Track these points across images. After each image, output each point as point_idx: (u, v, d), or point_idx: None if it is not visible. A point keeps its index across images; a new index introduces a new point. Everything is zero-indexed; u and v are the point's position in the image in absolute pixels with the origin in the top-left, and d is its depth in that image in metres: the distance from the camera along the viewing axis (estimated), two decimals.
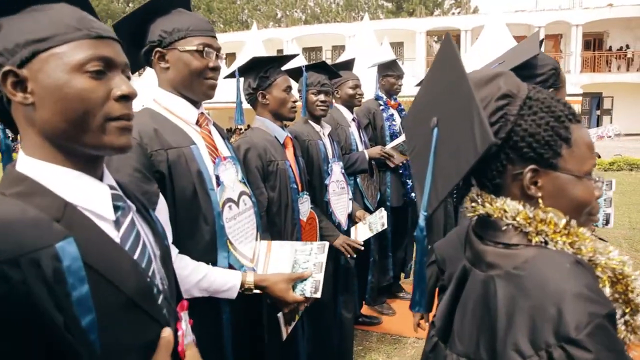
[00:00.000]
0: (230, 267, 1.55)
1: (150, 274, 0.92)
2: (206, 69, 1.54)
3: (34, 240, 0.75)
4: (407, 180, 4.06)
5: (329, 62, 3.02)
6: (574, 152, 0.93)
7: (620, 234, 6.68)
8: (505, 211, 0.94)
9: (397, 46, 27.48)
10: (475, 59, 16.71)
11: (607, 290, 0.90)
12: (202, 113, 1.62)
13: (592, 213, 0.97)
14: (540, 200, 0.93)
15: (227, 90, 2.18)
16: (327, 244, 1.73)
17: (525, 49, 1.78)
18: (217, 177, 1.53)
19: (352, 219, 3.05)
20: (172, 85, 1.57)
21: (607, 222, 1.90)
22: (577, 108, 17.58)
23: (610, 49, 27.14)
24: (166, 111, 1.55)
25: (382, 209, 3.14)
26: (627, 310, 0.91)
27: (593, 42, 27.56)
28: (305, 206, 2.33)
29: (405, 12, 36.24)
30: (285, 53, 27.16)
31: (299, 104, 2.57)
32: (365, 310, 4.03)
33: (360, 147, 3.53)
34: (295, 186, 2.27)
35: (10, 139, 1.11)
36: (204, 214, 1.48)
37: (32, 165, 0.85)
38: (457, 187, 0.99)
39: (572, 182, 0.93)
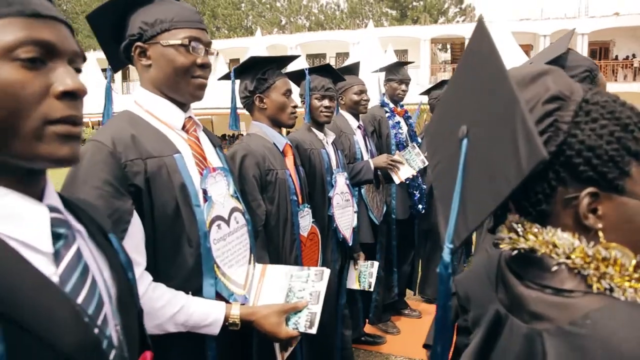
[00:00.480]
0: (218, 296, 1.33)
1: (99, 322, 0.71)
2: (193, 66, 1.33)
3: None
4: (414, 192, 3.86)
5: None
6: None
7: None
8: (555, 246, 0.73)
9: (401, 53, 27.38)
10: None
11: None
12: (189, 117, 1.42)
13: None
14: (600, 234, 0.72)
15: (228, 94, 2.00)
16: (326, 270, 1.52)
17: (554, 48, 1.58)
18: (205, 191, 1.33)
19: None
20: (155, 84, 1.36)
21: None
22: None
23: (616, 58, 26.94)
24: (148, 115, 1.35)
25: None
26: None
27: (599, 51, 27.38)
28: (306, 220, 2.13)
29: (409, 19, 36.25)
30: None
31: (300, 110, 2.39)
32: (368, 329, 3.81)
33: (366, 156, 3.32)
34: (296, 198, 2.07)
35: None
36: (188, 234, 1.27)
37: None
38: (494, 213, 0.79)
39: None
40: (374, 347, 3.67)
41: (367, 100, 3.38)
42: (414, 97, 5.81)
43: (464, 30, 27.76)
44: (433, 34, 28.16)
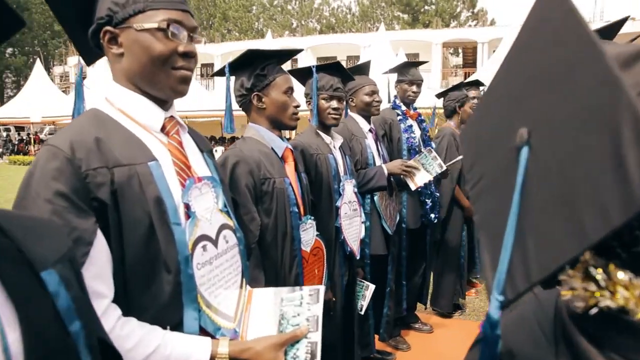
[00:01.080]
0: (202, 331, 1.11)
1: None
2: (174, 55, 1.10)
3: None
4: (426, 200, 3.63)
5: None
6: None
7: None
8: None
9: (413, 57, 27.13)
10: (492, 72, 16.41)
11: None
12: (171, 117, 1.19)
13: None
14: None
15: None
16: (321, 288, 1.28)
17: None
18: (187, 206, 1.11)
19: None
20: (128, 77, 1.14)
21: None
22: None
23: None
24: (120, 114, 1.13)
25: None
26: None
27: None
28: (309, 234, 1.91)
29: (420, 23, 35.99)
30: (299, 62, 26.99)
31: (305, 112, 2.17)
32: (378, 345, 3.58)
33: (378, 161, 3.08)
34: (297, 210, 1.84)
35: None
36: (165, 258, 1.04)
37: None
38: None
39: None
40: None
41: (379, 102, 3.14)
42: (427, 100, 5.58)
43: (476, 35, 27.57)
44: (445, 38, 27.96)
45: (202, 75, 32.14)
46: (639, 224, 0.52)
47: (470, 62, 29.62)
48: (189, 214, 1.10)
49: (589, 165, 0.45)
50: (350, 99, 3.07)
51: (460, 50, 32.06)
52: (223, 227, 1.21)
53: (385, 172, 2.90)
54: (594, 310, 0.54)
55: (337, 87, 2.42)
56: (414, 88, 3.68)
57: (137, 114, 1.13)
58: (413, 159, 3.04)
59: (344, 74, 2.52)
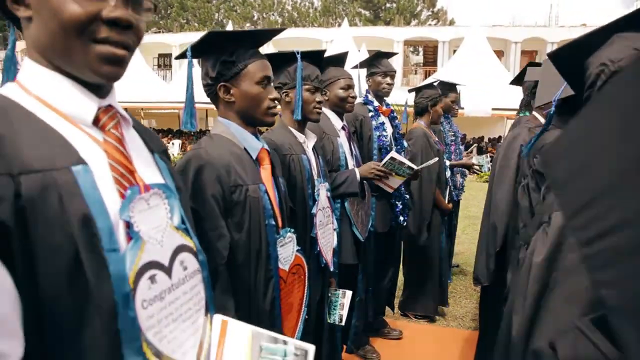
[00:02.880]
0: None
1: None
2: (96, 22, 0.80)
3: None
4: (397, 202, 3.41)
5: None
6: None
7: None
8: None
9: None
10: (454, 70, 16.55)
11: None
12: (109, 106, 0.89)
13: None
14: None
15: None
16: (311, 349, 1.03)
17: None
18: (128, 225, 0.82)
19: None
20: (39, 50, 0.84)
21: None
22: None
23: None
24: (37, 102, 0.82)
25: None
26: None
27: None
28: (288, 249, 1.63)
29: (382, 20, 36.15)
30: None
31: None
32: (345, 357, 3.35)
33: (351, 162, 2.83)
34: (273, 222, 1.56)
35: None
36: (97, 298, 0.75)
37: None
38: None
39: None
40: None
41: (354, 98, 2.85)
42: (392, 98, 5.40)
43: (437, 34, 27.97)
44: (406, 36, 28.18)
45: (159, 66, 31.09)
46: None
47: (430, 60, 29.94)
48: (130, 234, 0.81)
49: None
50: (324, 93, 2.81)
51: (420, 49, 32.33)
52: (180, 249, 0.92)
53: (358, 176, 2.66)
54: None
55: (321, 79, 2.14)
56: (388, 80, 3.45)
57: (60, 102, 0.83)
58: (384, 162, 2.81)
59: (327, 64, 2.24)
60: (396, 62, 27.64)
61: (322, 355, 2.30)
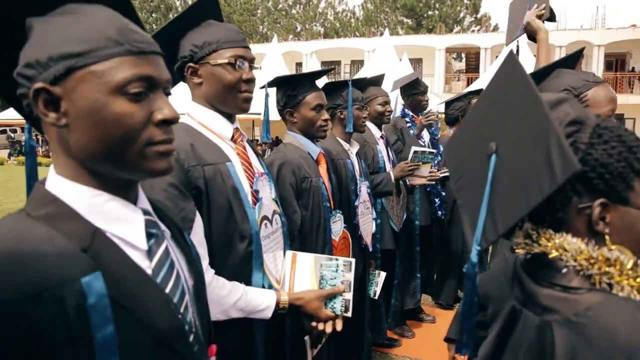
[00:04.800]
0: (262, 287, 1.50)
1: (182, 309, 0.84)
2: (240, 82, 1.48)
3: (59, 273, 0.67)
4: (435, 199, 4.03)
5: (347, 76, 2.97)
6: None
7: None
8: (565, 250, 0.87)
9: (416, 62, 27.45)
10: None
11: None
12: (237, 128, 1.56)
13: None
14: (607, 237, 0.86)
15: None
16: (353, 261, 1.64)
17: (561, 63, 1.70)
18: (257, 193, 1.48)
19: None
20: (206, 99, 1.51)
21: None
22: None
23: (632, 70, 26.81)
24: (201, 126, 1.49)
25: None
26: None
27: (615, 62, 27.27)
28: (337, 225, 2.24)
29: (424, 28, 36.27)
30: (304, 66, 27.28)
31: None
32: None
33: (388, 165, 3.45)
34: (328, 204, 2.18)
35: (35, 140, 0.98)
36: (241, 232, 1.43)
37: (62, 185, 0.78)
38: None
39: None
40: (391, 350, 3.79)
41: (391, 112, 3.51)
42: (429, 105, 5.93)
43: (479, 40, 27.79)
44: (448, 44, 28.19)
45: None
46: (559, 198, 0.88)
47: (473, 67, 29.87)
48: (257, 199, 1.47)
49: (533, 163, 0.80)
50: (365, 107, 3.43)
51: (463, 56, 32.32)
52: (274, 212, 1.59)
53: (392, 178, 3.25)
54: (529, 256, 0.91)
55: (363, 98, 2.79)
56: (426, 97, 4.08)
57: (214, 126, 1.51)
58: (410, 159, 3.36)
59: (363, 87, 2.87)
60: (438, 70, 27.87)
61: (364, 320, 2.88)
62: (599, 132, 0.89)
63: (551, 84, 1.63)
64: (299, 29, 41.59)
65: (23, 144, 22.89)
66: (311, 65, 21.16)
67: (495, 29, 35.00)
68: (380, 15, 39.94)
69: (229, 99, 1.49)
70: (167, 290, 0.82)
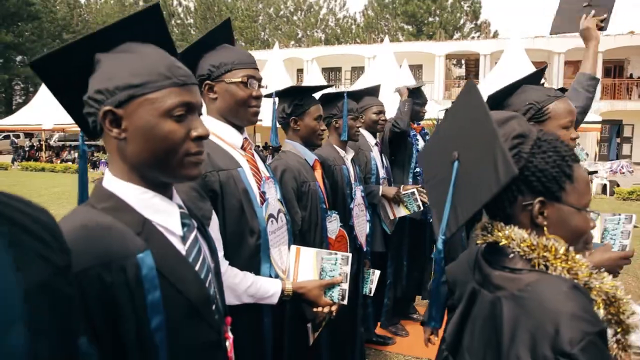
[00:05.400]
0: (270, 277, 1.71)
1: (207, 284, 1.07)
2: (250, 98, 1.71)
3: (122, 250, 0.91)
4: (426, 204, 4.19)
5: (347, 82, 3.17)
6: (575, 188, 1.07)
7: (638, 266, 6.66)
8: (512, 239, 1.07)
9: (416, 69, 27.67)
10: (494, 84, 16.88)
11: (602, 312, 1.02)
12: (246, 138, 1.78)
13: (587, 241, 1.11)
14: (545, 229, 1.06)
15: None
16: (350, 255, 1.85)
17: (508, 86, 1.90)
18: (264, 194, 1.71)
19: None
20: (220, 113, 1.73)
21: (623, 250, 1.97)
22: (595, 135, 17.08)
23: (631, 76, 27.03)
24: (215, 137, 1.69)
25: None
26: (619, 330, 1.04)
27: (613, 69, 27.49)
28: (334, 224, 2.45)
29: (424, 34, 36.55)
30: (305, 72, 27.48)
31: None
32: (379, 330, 4.12)
33: (381, 172, 3.66)
34: (324, 206, 2.40)
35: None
36: (251, 228, 1.65)
37: (117, 184, 1.01)
38: (475, 215, 1.12)
39: (572, 214, 1.07)
40: (384, 347, 3.97)
41: (385, 121, 3.72)
42: (430, 112, 6.13)
43: (478, 47, 27.92)
44: (448, 50, 28.38)
45: None
46: (507, 197, 1.08)
47: (473, 73, 30.01)
48: (264, 199, 1.70)
49: (484, 168, 1.02)
50: (360, 117, 3.63)
51: (463, 62, 32.55)
52: (279, 210, 1.81)
53: (380, 193, 3.50)
54: (484, 244, 1.11)
55: (358, 107, 3.04)
56: (424, 109, 4.29)
57: (227, 137, 1.73)
58: (404, 192, 3.56)
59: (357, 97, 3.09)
60: (438, 76, 28.08)
61: (357, 316, 3.07)
62: (539, 144, 1.10)
63: (518, 98, 1.83)
64: (300, 35, 41.90)
65: (27, 149, 22.92)
66: (312, 71, 21.37)
67: (495, 35, 35.25)
68: (380, 21, 40.26)
69: (240, 113, 1.72)
70: (197, 267, 1.05)
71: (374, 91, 3.80)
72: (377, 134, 3.81)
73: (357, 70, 29.20)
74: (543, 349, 0.90)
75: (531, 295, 0.98)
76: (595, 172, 5.77)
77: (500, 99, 1.88)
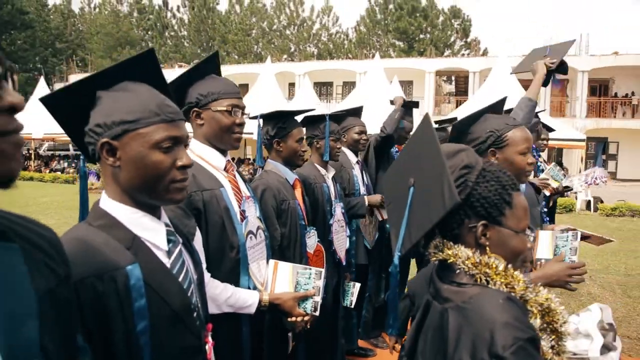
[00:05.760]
0: (248, 288, 1.85)
1: (189, 294, 1.21)
2: (234, 125, 1.86)
3: (113, 262, 1.06)
4: None
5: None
6: (514, 213, 1.22)
7: (615, 280, 6.84)
8: (458, 256, 1.22)
9: (407, 84, 28.01)
10: (483, 100, 17.05)
11: (538, 321, 1.17)
12: (228, 160, 1.93)
13: (525, 260, 1.26)
14: (487, 248, 1.21)
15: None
16: (323, 270, 2.00)
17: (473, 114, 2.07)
18: (243, 212, 1.85)
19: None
20: (205, 137, 1.87)
21: None
22: (581, 153, 17.34)
23: (615, 95, 27.60)
24: (200, 159, 1.84)
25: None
26: (553, 337, 1.19)
27: (599, 88, 28.06)
28: (312, 240, 2.59)
29: (415, 51, 37.03)
30: (297, 87, 27.71)
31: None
32: (361, 343, 4.24)
33: (362, 189, 3.81)
34: (304, 223, 2.54)
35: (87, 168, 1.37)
36: (231, 243, 1.79)
37: (111, 205, 1.16)
38: (426, 235, 1.27)
39: (511, 236, 1.22)
40: (365, 359, 4.10)
41: (367, 140, 3.89)
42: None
43: (468, 64, 28.36)
44: (438, 67, 28.83)
45: None
46: (455, 220, 1.23)
47: (462, 90, 30.40)
48: (244, 217, 1.84)
49: (434, 194, 1.18)
50: (343, 136, 3.79)
51: (453, 78, 32.99)
52: (258, 227, 1.95)
53: (366, 203, 3.64)
54: (436, 261, 1.26)
55: (338, 131, 3.19)
56: (409, 136, 4.42)
57: (211, 159, 1.87)
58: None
59: (339, 119, 3.25)
60: (428, 92, 28.45)
61: (337, 328, 3.20)
62: (484, 174, 1.25)
63: (480, 126, 2.00)
64: (292, 49, 42.21)
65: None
66: (304, 85, 21.58)
67: (485, 53, 35.72)
68: (372, 37, 40.69)
69: (225, 138, 1.87)
70: (180, 278, 1.19)
71: (356, 112, 3.95)
72: (359, 152, 3.96)
73: (349, 85, 29.49)
74: (481, 353, 1.04)
75: (473, 307, 1.12)
76: (569, 188, 5.89)
77: (465, 126, 2.04)
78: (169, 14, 45.87)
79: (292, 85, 30.89)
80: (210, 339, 1.32)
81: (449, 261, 1.24)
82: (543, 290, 1.21)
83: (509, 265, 1.20)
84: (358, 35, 41.11)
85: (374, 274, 4.02)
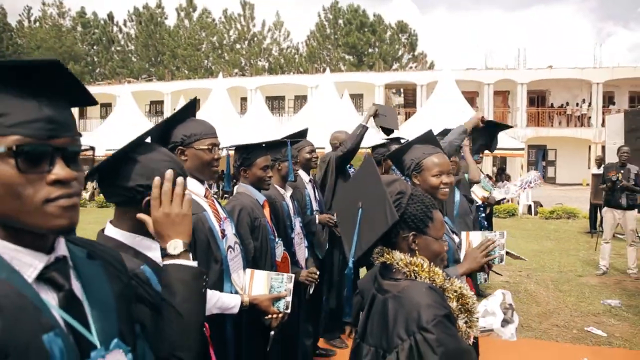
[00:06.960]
0: (231, 293, 2.21)
1: None
2: (213, 160, 2.22)
3: (133, 265, 1.37)
4: None
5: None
6: (435, 225, 1.65)
7: (549, 277, 7.52)
8: (394, 259, 1.62)
9: (357, 98, 28.68)
10: (430, 112, 17.66)
11: (455, 304, 1.59)
12: (207, 188, 2.28)
13: (443, 259, 1.69)
14: (416, 252, 1.62)
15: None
16: (293, 276, 2.42)
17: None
18: (223, 231, 2.20)
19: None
20: (188, 171, 2.19)
21: (501, 260, 2.53)
22: (521, 161, 18.26)
23: (552, 105, 29.41)
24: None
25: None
26: (466, 315, 1.60)
27: (537, 98, 29.82)
28: (279, 250, 2.96)
29: (365, 65, 37.96)
30: (249, 101, 27.83)
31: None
32: (321, 343, 4.61)
33: (314, 204, 4.24)
34: (272, 237, 2.90)
35: None
36: (215, 257, 2.15)
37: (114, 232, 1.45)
38: (373, 244, 1.67)
39: (433, 242, 1.64)
40: (326, 359, 4.48)
41: (317, 158, 4.31)
42: (370, 141, 6.61)
43: (415, 77, 29.30)
44: (387, 80, 29.75)
45: (150, 112, 32.00)
46: (393, 232, 1.65)
47: (410, 102, 31.15)
48: (224, 234, 2.20)
49: (378, 214, 1.62)
50: (296, 162, 4.18)
51: (402, 91, 33.95)
52: (235, 242, 2.32)
53: (317, 220, 4.10)
54: (379, 263, 1.66)
55: (296, 155, 3.60)
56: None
57: (193, 188, 2.21)
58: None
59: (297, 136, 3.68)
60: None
61: (299, 329, 3.55)
62: (413, 197, 1.67)
63: (408, 155, 2.52)
64: (243, 63, 42.24)
65: None
66: (256, 100, 21.80)
67: (431, 66, 36.93)
68: (323, 51, 41.32)
69: (205, 171, 2.22)
70: None
71: (302, 134, 4.22)
72: (310, 171, 4.37)
73: (300, 99, 29.95)
74: (412, 327, 1.44)
75: (404, 295, 1.53)
76: (503, 199, 6.48)
77: (400, 154, 2.54)
78: (114, 29, 44.88)
79: (244, 99, 31.03)
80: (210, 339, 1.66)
81: (388, 262, 1.64)
82: (457, 281, 1.63)
83: (432, 264, 1.61)
84: (309, 50, 41.67)
85: (324, 280, 4.42)
